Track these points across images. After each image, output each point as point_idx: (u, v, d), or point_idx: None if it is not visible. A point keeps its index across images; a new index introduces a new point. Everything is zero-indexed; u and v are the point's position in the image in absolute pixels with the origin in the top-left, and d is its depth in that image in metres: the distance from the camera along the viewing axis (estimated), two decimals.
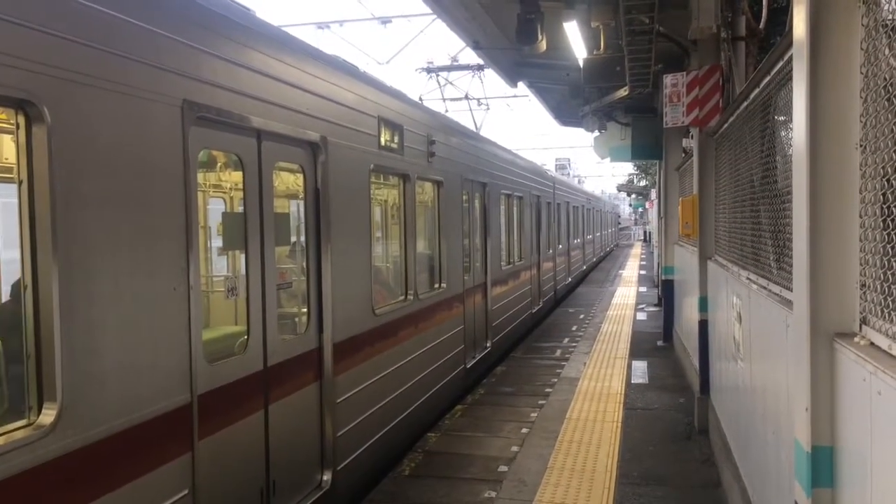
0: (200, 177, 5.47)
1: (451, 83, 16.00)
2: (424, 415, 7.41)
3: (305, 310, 5.11)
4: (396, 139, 6.52)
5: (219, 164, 5.36)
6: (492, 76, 15.07)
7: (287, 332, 4.99)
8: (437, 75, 15.63)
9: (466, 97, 16.63)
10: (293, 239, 5.27)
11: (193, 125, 3.68)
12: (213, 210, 6.29)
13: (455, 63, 15.69)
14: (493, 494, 5.68)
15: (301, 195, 5.10)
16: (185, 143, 3.60)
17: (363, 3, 16.62)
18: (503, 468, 6.24)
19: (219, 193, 6.49)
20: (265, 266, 4.43)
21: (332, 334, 5.17)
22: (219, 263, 6.25)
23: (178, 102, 3.56)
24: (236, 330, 4.54)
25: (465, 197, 9.32)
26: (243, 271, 4.38)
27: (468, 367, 9.20)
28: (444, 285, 8.20)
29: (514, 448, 6.76)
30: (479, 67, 14.95)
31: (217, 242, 5.32)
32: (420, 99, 14.09)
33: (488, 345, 10.46)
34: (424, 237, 8.23)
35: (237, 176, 4.44)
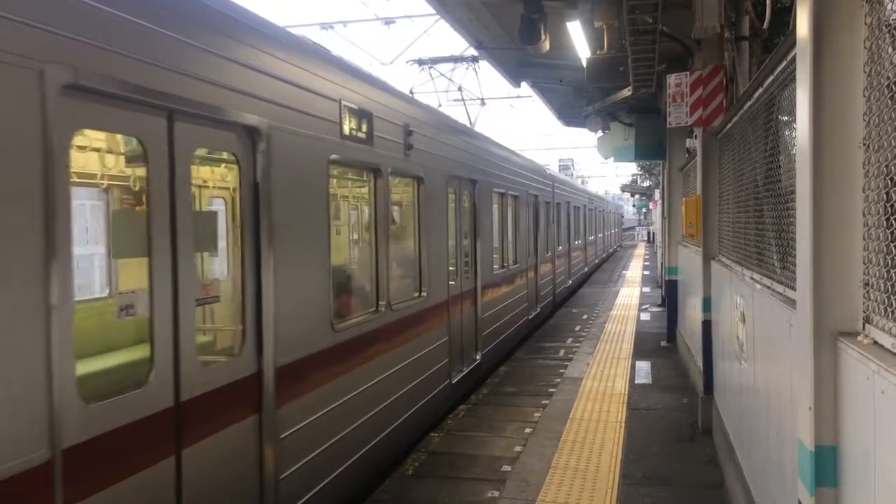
0: (93, 165, 4.43)
1: (444, 76, 15.05)
2: (398, 441, 6.59)
3: (240, 328, 4.25)
4: (364, 128, 5.78)
5: (121, 150, 4.37)
6: (487, 70, 14.49)
7: (211, 358, 4.20)
8: (430, 68, 14.88)
9: (460, 89, 15.69)
10: (225, 243, 4.48)
11: (62, 97, 2.87)
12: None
13: (449, 56, 14.90)
14: (497, 494, 5.68)
15: (235, 190, 4.28)
16: (45, 120, 2.81)
17: (367, 3, 16.39)
18: (506, 468, 6.24)
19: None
20: (178, 276, 3.59)
21: (273, 356, 4.35)
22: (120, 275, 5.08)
23: (37, 66, 2.78)
24: (136, 358, 3.67)
25: (451, 195, 8.53)
26: (148, 284, 3.53)
27: (454, 382, 8.37)
28: (424, 293, 7.37)
29: (518, 448, 6.77)
30: (474, 59, 14.27)
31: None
32: (411, 92, 13.37)
33: (478, 357, 9.60)
34: (401, 239, 7.43)
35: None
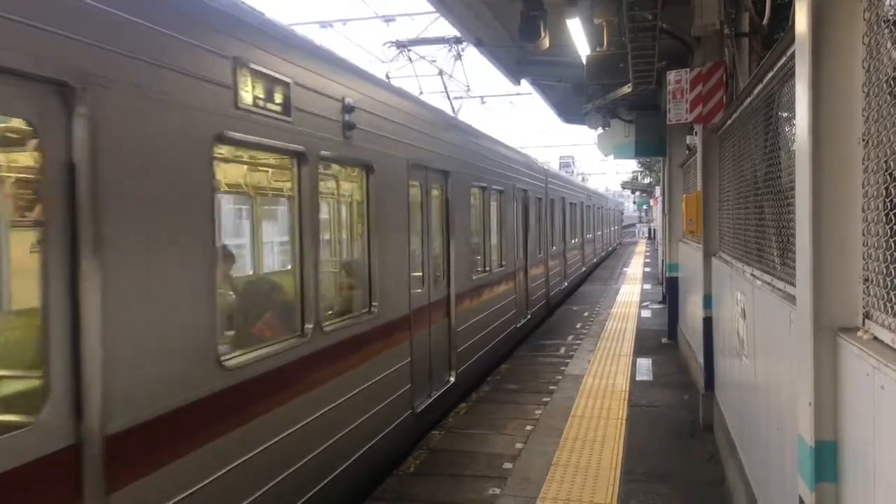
0: None
1: (423, 58, 13.42)
2: (335, 500, 5.26)
3: (41, 379, 2.87)
4: (278, 98, 4.51)
5: None
6: (483, 64, 13.54)
7: None
8: (408, 50, 13.19)
9: (441, 74, 13.75)
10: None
11: None
12: None
13: (430, 37, 13.44)
14: (498, 491, 5.69)
15: (36, 173, 2.96)
16: None
17: (367, 1, 16.19)
18: (508, 465, 6.25)
19: None
20: None
21: (101, 418, 3.00)
22: None
23: None
24: None
25: (414, 188, 7.17)
26: None
27: (418, 412, 7.05)
28: (374, 308, 6.02)
29: (519, 445, 6.77)
30: (457, 41, 12.73)
31: None
32: (387, 77, 11.99)
33: (451, 378, 8.27)
34: (341, 242, 6.32)
35: None
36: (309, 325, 4.89)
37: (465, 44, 12.85)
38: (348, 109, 5.48)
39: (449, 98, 14.28)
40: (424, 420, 7.30)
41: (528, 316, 13.33)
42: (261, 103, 4.32)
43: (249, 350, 4.33)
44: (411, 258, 6.95)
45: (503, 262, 11.24)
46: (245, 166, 5.68)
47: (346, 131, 5.47)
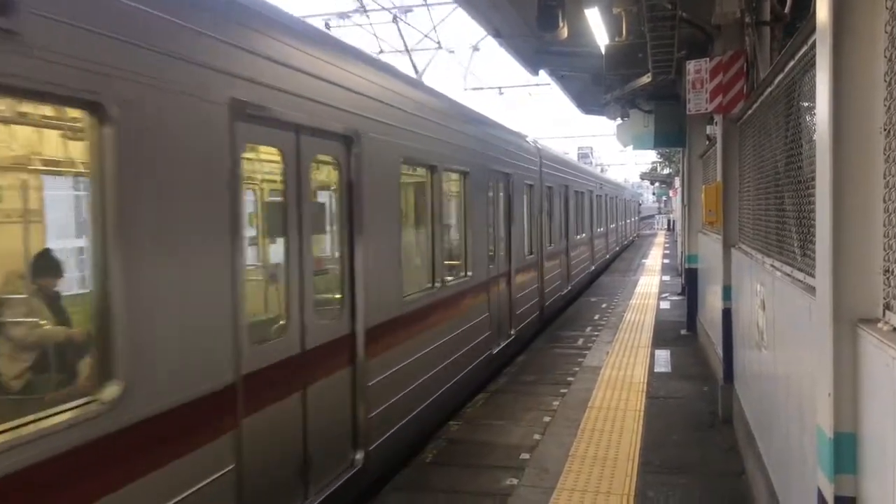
0: None
1: (386, 9, 11.13)
2: None
3: None
4: None
5: None
6: (473, 29, 11.91)
7: None
8: None
9: (395, 20, 11.00)
10: None
11: None
12: None
13: None
14: (516, 482, 5.71)
15: None
16: None
17: None
18: (525, 456, 6.27)
19: None
20: None
21: None
22: None
23: None
24: None
25: (256, 156, 4.73)
26: None
27: None
28: (112, 392, 3.02)
29: (536, 436, 6.79)
30: None
31: None
32: (326, 26, 9.92)
33: (357, 460, 5.35)
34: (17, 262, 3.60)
35: None
36: None
37: None
38: None
39: (411, 59, 11.67)
40: None
41: (512, 335, 10.54)
42: None
43: None
44: (248, 282, 4.18)
45: (468, 271, 8.44)
46: None
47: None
